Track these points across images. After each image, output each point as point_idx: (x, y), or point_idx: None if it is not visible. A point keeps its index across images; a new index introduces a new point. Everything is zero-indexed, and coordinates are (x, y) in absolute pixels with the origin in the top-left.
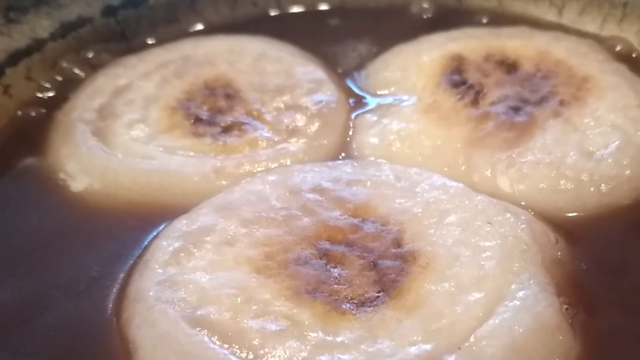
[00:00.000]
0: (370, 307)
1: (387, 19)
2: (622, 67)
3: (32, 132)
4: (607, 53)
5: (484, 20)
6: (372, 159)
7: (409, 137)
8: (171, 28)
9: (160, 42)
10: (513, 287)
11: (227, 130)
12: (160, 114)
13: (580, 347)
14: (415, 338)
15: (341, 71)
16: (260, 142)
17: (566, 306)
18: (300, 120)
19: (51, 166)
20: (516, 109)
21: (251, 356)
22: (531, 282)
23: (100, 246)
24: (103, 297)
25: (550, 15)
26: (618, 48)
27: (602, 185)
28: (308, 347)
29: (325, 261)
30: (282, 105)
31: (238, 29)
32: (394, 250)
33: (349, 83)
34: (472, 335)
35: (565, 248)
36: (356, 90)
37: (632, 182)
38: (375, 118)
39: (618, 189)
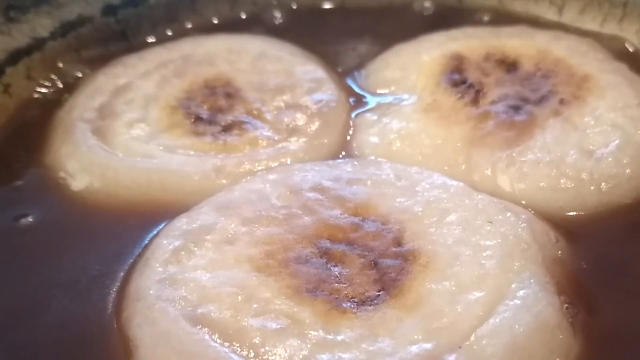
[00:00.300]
0: (370, 305)
1: (387, 18)
2: (622, 66)
3: (32, 131)
4: (607, 52)
5: (485, 19)
6: (373, 158)
7: (409, 136)
8: (171, 27)
9: (160, 41)
10: (513, 286)
11: (227, 129)
12: (160, 113)
13: (580, 346)
14: (415, 337)
15: (341, 70)
16: (260, 141)
17: (566, 305)
18: (300, 119)
19: (51, 165)
20: (516, 108)
21: (252, 354)
22: (531, 281)
23: (101, 245)
24: (103, 296)
25: (551, 14)
26: (618, 47)
27: (602, 184)
28: (308, 346)
29: (325, 260)
30: (282, 104)
31: (238, 28)
32: (394, 249)
33: (349, 82)
34: (473, 334)
35: (565, 247)
36: (356, 90)
37: (632, 181)
38: (375, 117)
39: (618, 187)
